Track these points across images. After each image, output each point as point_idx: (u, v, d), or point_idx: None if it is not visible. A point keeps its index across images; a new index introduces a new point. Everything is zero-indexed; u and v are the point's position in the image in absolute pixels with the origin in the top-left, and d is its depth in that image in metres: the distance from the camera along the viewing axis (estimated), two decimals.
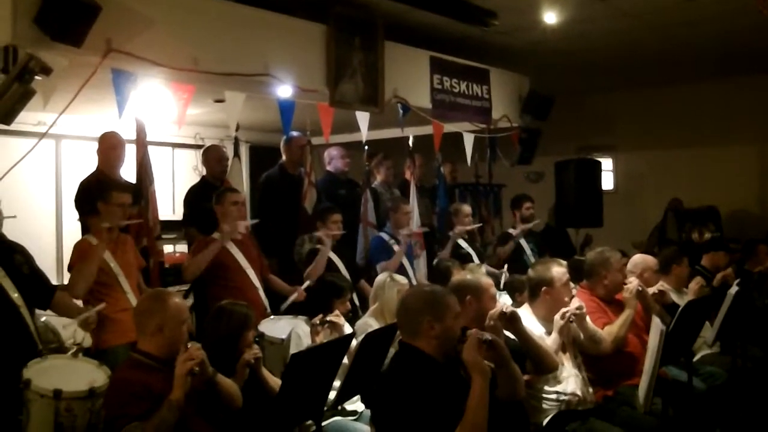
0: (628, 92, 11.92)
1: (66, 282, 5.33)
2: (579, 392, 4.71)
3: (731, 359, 5.96)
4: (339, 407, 4.62)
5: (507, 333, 4.39)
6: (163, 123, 8.47)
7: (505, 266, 6.82)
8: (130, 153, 6.73)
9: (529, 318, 4.84)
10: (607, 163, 11.93)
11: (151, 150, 6.75)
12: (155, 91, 6.28)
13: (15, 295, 4.53)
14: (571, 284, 5.17)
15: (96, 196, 5.52)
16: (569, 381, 4.71)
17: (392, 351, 4.26)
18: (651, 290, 5.80)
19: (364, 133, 7.60)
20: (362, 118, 7.47)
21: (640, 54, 9.72)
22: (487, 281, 4.60)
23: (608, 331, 5.16)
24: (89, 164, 6.76)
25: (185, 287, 6.58)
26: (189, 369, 3.65)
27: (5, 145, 7.38)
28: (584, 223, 10.13)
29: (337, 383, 4.18)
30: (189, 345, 3.75)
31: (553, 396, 4.66)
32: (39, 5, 4.87)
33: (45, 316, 5.10)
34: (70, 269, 5.37)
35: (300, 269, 7.00)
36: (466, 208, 8.62)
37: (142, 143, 6.58)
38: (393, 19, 7.69)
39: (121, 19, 5.44)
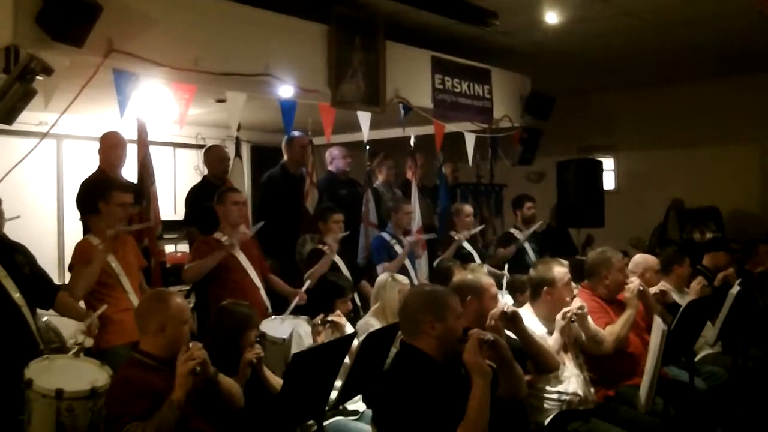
0: (629, 92, 11.91)
1: (67, 282, 5.34)
2: (580, 392, 4.71)
3: (732, 359, 5.96)
4: (340, 407, 4.62)
5: (508, 333, 4.39)
6: (165, 123, 8.48)
7: (506, 266, 6.82)
8: (132, 153, 6.74)
9: (530, 318, 4.84)
10: (608, 163, 11.92)
11: (153, 150, 6.76)
12: (156, 91, 6.29)
13: (16, 295, 4.54)
14: (573, 284, 5.18)
15: (97, 195, 5.53)
16: (571, 381, 4.71)
17: (394, 351, 4.26)
18: (652, 290, 5.80)
19: (366, 133, 7.60)
20: (363, 117, 7.47)
21: (641, 54, 9.71)
22: (488, 281, 4.61)
23: (609, 331, 5.16)
24: (91, 164, 6.76)
25: (186, 287, 6.60)
26: (190, 369, 3.65)
27: (6, 145, 7.40)
28: (585, 223, 10.12)
29: (338, 383, 4.19)
30: (190, 345, 3.75)
31: (555, 396, 4.66)
32: (40, 5, 4.87)
33: (46, 316, 5.11)
34: (70, 269, 5.38)
35: (301, 269, 7.01)
36: (468, 208, 8.62)
37: (143, 143, 6.58)
38: (394, 19, 7.68)
39: (123, 19, 5.44)
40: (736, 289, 5.84)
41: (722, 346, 6.25)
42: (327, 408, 4.18)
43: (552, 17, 8.00)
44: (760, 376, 6.23)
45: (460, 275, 5.49)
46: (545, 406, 4.66)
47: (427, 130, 8.64)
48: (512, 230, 8.89)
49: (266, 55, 6.52)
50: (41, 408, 3.80)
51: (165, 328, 3.80)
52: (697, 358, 5.97)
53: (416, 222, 8.15)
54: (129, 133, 6.73)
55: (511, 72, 9.63)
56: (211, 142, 9.07)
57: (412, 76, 8.12)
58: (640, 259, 6.39)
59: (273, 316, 5.67)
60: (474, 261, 7.79)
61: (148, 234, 6.39)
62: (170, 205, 9.38)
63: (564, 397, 4.66)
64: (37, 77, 4.89)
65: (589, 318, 5.01)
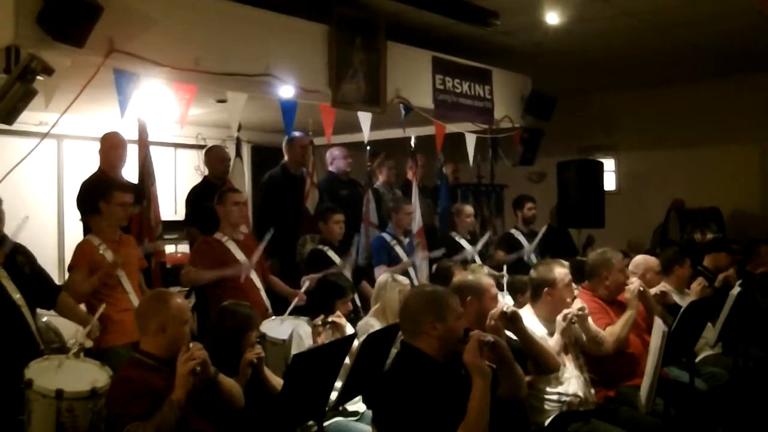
0: (629, 92, 11.90)
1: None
2: (581, 393, 4.71)
3: (733, 360, 5.95)
4: (340, 408, 4.62)
5: (508, 333, 4.39)
6: (165, 123, 8.48)
7: (505, 267, 6.82)
8: (132, 153, 6.74)
9: (531, 319, 4.84)
10: (609, 164, 11.92)
11: (153, 150, 6.77)
12: (157, 91, 6.29)
13: (17, 296, 4.55)
14: (573, 285, 5.17)
15: (98, 195, 5.54)
16: (571, 382, 4.71)
17: (394, 351, 4.26)
18: (653, 291, 5.80)
19: (366, 134, 7.60)
20: (364, 118, 7.46)
21: (641, 54, 9.70)
22: (488, 281, 4.61)
23: (610, 332, 5.16)
24: (91, 164, 6.77)
25: (187, 287, 6.59)
26: (191, 369, 3.65)
27: (7, 145, 7.40)
28: (586, 223, 10.13)
29: (338, 384, 4.18)
30: (191, 345, 3.75)
31: (555, 397, 4.66)
32: (41, 5, 4.87)
33: (46, 316, 5.11)
34: (70, 270, 5.38)
35: (301, 269, 7.01)
36: (468, 209, 8.63)
37: (144, 143, 6.59)
38: (395, 19, 7.68)
39: (123, 19, 5.44)
40: (736, 290, 5.83)
41: (723, 347, 6.24)
42: (327, 408, 4.18)
43: (553, 17, 8.00)
44: (760, 376, 6.22)
45: (460, 276, 5.48)
46: (545, 407, 4.66)
47: (428, 130, 8.64)
48: (513, 231, 8.89)
49: (267, 56, 6.51)
50: (41, 408, 3.80)
51: (165, 329, 3.80)
52: (697, 359, 5.97)
53: (417, 222, 8.15)
54: (129, 133, 6.74)
55: (512, 72, 9.62)
56: (212, 142, 9.07)
57: (412, 76, 8.12)
58: (640, 259, 6.39)
59: (273, 317, 5.67)
60: (474, 262, 7.79)
61: (149, 234, 6.39)
62: (171, 206, 9.38)
63: (564, 398, 4.66)
64: (38, 77, 4.89)
65: (590, 319, 5.01)
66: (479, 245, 8.27)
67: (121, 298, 5.32)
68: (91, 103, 6.26)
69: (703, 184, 11.22)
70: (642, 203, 11.71)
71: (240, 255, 6.07)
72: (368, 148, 8.27)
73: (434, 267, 7.65)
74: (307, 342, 5.03)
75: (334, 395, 4.19)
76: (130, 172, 6.77)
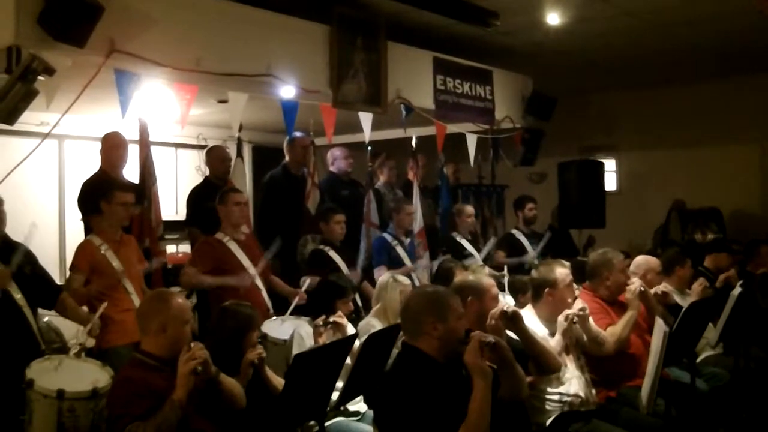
0: (630, 93, 11.90)
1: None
2: (582, 393, 4.71)
3: (734, 360, 5.95)
4: (342, 408, 4.62)
5: (510, 333, 4.39)
6: (166, 123, 8.48)
7: (505, 267, 6.81)
8: (133, 153, 6.74)
9: (532, 319, 4.84)
10: (609, 164, 11.92)
11: (154, 150, 6.77)
12: (158, 91, 6.29)
13: (18, 296, 4.55)
14: (574, 285, 5.17)
15: (99, 195, 5.54)
16: (572, 382, 4.71)
17: (395, 352, 4.26)
18: (653, 291, 5.80)
19: (367, 134, 7.60)
20: (365, 118, 7.47)
21: (641, 54, 9.71)
22: (489, 281, 4.61)
23: (611, 332, 5.16)
24: (92, 164, 6.77)
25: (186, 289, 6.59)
26: (192, 368, 3.65)
27: (8, 146, 7.40)
28: (587, 223, 10.12)
29: (339, 384, 4.18)
30: (192, 345, 3.75)
31: (556, 397, 4.66)
32: (42, 5, 4.87)
33: (47, 316, 5.11)
34: (71, 269, 5.38)
35: (302, 269, 7.01)
36: (469, 209, 8.63)
37: (145, 143, 6.59)
38: (395, 19, 7.68)
39: (124, 19, 5.44)
40: (737, 290, 5.82)
41: (724, 347, 6.24)
42: (328, 409, 4.18)
43: (554, 18, 8.00)
44: (761, 377, 6.22)
45: (461, 276, 5.48)
46: (546, 407, 4.66)
47: (429, 130, 8.64)
48: (514, 231, 8.89)
49: (268, 56, 6.52)
50: (42, 408, 3.80)
51: (166, 329, 3.80)
52: (698, 360, 5.97)
53: (418, 223, 8.14)
54: (130, 133, 6.74)
55: (512, 73, 9.62)
56: (213, 142, 9.07)
57: (413, 76, 8.12)
58: (641, 260, 6.39)
59: (274, 317, 5.67)
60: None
61: (150, 234, 6.40)
62: (171, 206, 9.38)
63: (565, 398, 4.66)
64: (39, 77, 4.89)
65: (591, 319, 5.00)
66: (484, 252, 8.28)
67: (123, 298, 5.33)
68: (92, 103, 6.27)
69: (703, 184, 11.22)
70: (642, 203, 11.71)
71: (241, 255, 6.06)
72: (369, 148, 8.27)
73: (435, 268, 7.65)
74: (309, 342, 5.04)
75: (335, 395, 4.19)
76: (131, 172, 6.77)
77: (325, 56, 7.08)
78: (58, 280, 5.85)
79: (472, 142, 8.86)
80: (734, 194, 11.07)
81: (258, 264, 6.16)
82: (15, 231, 4.95)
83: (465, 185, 10.37)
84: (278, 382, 4.26)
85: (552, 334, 4.80)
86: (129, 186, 6.10)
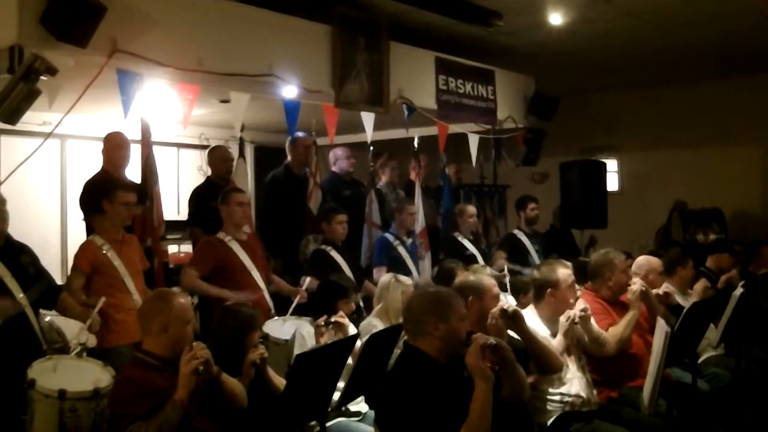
0: (632, 93, 11.90)
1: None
2: (583, 394, 4.71)
3: (735, 361, 5.94)
4: (343, 408, 4.62)
5: (511, 333, 4.39)
6: (168, 123, 8.47)
7: (505, 268, 6.81)
8: (135, 153, 6.74)
9: (533, 319, 4.84)
10: (611, 164, 11.91)
11: (156, 150, 6.76)
12: (160, 91, 6.29)
13: (20, 296, 4.55)
14: (576, 286, 5.17)
15: (101, 195, 5.54)
16: (573, 383, 4.71)
17: (397, 352, 4.27)
18: (655, 292, 5.79)
19: (369, 134, 7.61)
20: (367, 118, 7.47)
21: (642, 54, 9.71)
22: (490, 281, 4.62)
23: (612, 333, 5.16)
24: (94, 164, 6.77)
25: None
26: (193, 368, 3.65)
27: (11, 145, 7.42)
28: (589, 224, 10.11)
29: (341, 384, 4.19)
30: (194, 344, 3.75)
31: (557, 397, 4.66)
32: (45, 5, 4.88)
33: (49, 316, 5.11)
34: (73, 269, 5.38)
35: (304, 269, 7.01)
36: (471, 209, 8.62)
37: (147, 143, 6.59)
38: (397, 20, 7.69)
39: (127, 19, 5.45)
40: (739, 290, 5.82)
41: (725, 347, 6.24)
42: (330, 409, 4.18)
43: (556, 18, 8.01)
44: (763, 377, 6.21)
45: (462, 276, 5.48)
46: (548, 407, 4.66)
47: (431, 130, 8.64)
48: (515, 231, 8.88)
49: (270, 56, 6.52)
50: (44, 408, 3.80)
51: (168, 328, 3.80)
52: (700, 360, 5.97)
53: (420, 223, 8.14)
54: (132, 133, 6.74)
55: (514, 73, 9.62)
56: (215, 142, 9.07)
57: (415, 76, 8.12)
58: (643, 260, 6.39)
59: (276, 317, 5.67)
60: (477, 262, 7.78)
61: (151, 234, 6.40)
62: (173, 206, 9.38)
63: (567, 398, 4.66)
64: (42, 77, 4.90)
65: (592, 320, 5.00)
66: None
67: (124, 298, 5.33)
68: (95, 103, 6.27)
69: (705, 184, 11.22)
70: (644, 204, 11.70)
71: (243, 255, 6.06)
72: (371, 148, 8.27)
73: (436, 269, 7.66)
74: (310, 342, 5.04)
75: (336, 395, 4.19)
76: (133, 172, 6.77)
77: (327, 56, 7.09)
78: (60, 280, 5.85)
79: (474, 142, 8.86)
80: (736, 195, 11.07)
81: (260, 265, 6.17)
82: (17, 231, 4.95)
83: (467, 185, 10.36)
84: (280, 382, 4.27)
85: (554, 334, 4.80)
86: (131, 186, 6.10)
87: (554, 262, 5.12)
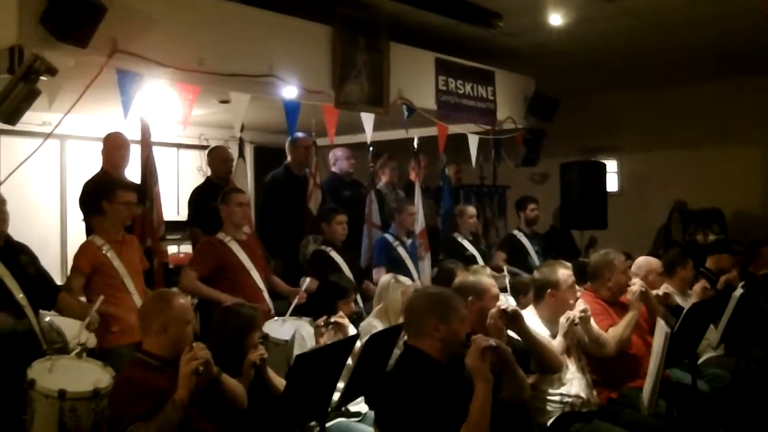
0: (632, 93, 11.90)
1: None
2: (583, 394, 4.71)
3: (735, 361, 5.94)
4: (343, 408, 4.62)
5: (511, 333, 4.39)
6: (168, 123, 8.47)
7: (505, 268, 6.80)
8: (135, 153, 6.74)
9: (533, 320, 4.83)
10: (611, 165, 11.91)
11: (156, 150, 6.76)
12: (160, 91, 6.29)
13: (20, 296, 4.55)
14: (576, 286, 5.17)
15: (101, 195, 5.53)
16: (573, 383, 4.71)
17: (397, 352, 4.26)
18: (655, 292, 5.79)
19: (369, 134, 7.61)
20: (367, 119, 7.47)
21: (642, 54, 9.71)
22: (489, 282, 4.61)
23: (612, 333, 5.15)
24: (94, 164, 6.77)
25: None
26: (193, 368, 3.65)
27: (10, 145, 7.42)
28: (589, 224, 10.12)
29: (341, 384, 4.18)
30: (194, 345, 3.75)
31: (557, 398, 4.66)
32: (45, 6, 4.88)
33: (49, 316, 5.11)
34: (72, 269, 5.38)
35: (304, 270, 7.01)
36: (471, 210, 8.62)
37: (146, 144, 6.58)
38: (397, 20, 7.69)
39: (127, 19, 5.45)
40: (739, 291, 5.82)
41: (725, 348, 6.23)
42: (330, 409, 4.18)
43: (556, 19, 8.01)
44: (763, 378, 6.21)
45: (462, 277, 5.48)
46: (548, 408, 4.66)
47: (431, 131, 8.64)
48: (515, 232, 8.88)
49: (270, 56, 6.52)
50: (44, 408, 3.80)
51: (168, 329, 3.80)
52: (700, 361, 5.97)
53: (419, 224, 8.14)
54: (132, 133, 6.73)
55: (514, 73, 9.63)
56: (215, 142, 9.06)
57: (415, 77, 8.13)
58: (642, 261, 6.39)
59: (276, 318, 5.67)
60: (477, 263, 7.77)
61: (151, 235, 6.39)
62: (173, 206, 9.38)
63: (566, 399, 4.66)
64: (41, 77, 4.90)
65: (592, 320, 5.00)
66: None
67: (124, 298, 5.32)
68: (95, 103, 6.27)
69: (704, 185, 11.22)
70: (644, 204, 11.71)
71: (242, 256, 6.06)
72: (371, 148, 8.28)
73: (435, 269, 7.65)
74: (310, 343, 5.04)
75: (336, 396, 4.19)
76: (132, 173, 6.77)
77: (328, 57, 7.09)
78: (60, 280, 5.85)
79: (473, 142, 8.86)
80: (736, 195, 11.08)
81: (260, 265, 6.17)
82: (17, 231, 4.95)
83: (467, 186, 10.36)
84: (279, 382, 4.27)
85: (554, 335, 4.80)
86: (131, 186, 6.09)
87: (554, 263, 5.12)
